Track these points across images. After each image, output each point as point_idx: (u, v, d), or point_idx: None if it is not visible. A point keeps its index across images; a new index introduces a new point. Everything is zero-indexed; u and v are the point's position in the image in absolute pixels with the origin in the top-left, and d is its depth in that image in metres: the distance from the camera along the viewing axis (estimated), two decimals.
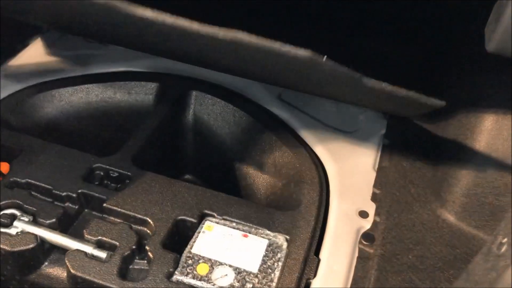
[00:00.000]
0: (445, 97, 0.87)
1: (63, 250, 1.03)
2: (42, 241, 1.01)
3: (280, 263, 0.98)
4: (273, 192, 1.24)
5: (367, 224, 1.09)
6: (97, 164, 1.15)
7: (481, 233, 1.06)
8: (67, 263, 0.96)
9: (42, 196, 1.10)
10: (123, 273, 0.97)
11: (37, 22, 1.39)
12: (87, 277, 0.94)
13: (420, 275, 0.98)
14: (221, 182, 1.23)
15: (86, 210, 1.12)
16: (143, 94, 1.41)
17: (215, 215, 1.07)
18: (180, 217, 1.05)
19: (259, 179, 1.30)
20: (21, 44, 1.52)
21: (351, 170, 1.20)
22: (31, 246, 0.99)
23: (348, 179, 1.18)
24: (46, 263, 1.03)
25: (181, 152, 1.44)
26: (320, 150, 1.25)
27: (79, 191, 1.09)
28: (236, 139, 1.36)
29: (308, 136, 1.29)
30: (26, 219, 1.04)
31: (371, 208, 1.12)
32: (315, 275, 0.98)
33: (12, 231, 1.01)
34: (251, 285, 0.95)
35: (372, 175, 1.20)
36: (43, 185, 1.10)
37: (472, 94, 1.15)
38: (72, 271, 0.95)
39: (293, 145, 1.26)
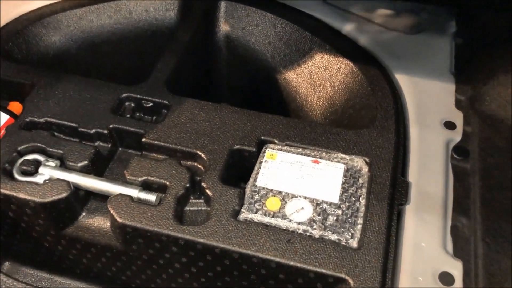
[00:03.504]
0: None
1: (101, 197, 0.87)
2: (76, 188, 0.85)
3: (364, 190, 0.82)
4: (333, 112, 1.06)
5: (456, 136, 0.92)
6: (126, 94, 0.97)
7: None
8: (112, 211, 0.79)
9: (66, 136, 0.93)
10: (179, 217, 0.81)
11: None
12: (139, 225, 0.78)
13: None
14: (265, 107, 1.05)
15: (120, 148, 0.95)
16: (163, 10, 1.20)
17: (276, 141, 0.89)
18: (235, 147, 0.88)
19: (313, 99, 1.11)
20: None
21: (425, 76, 1.02)
22: (64, 194, 0.82)
23: (424, 87, 1.00)
24: (84, 214, 0.88)
25: (215, 77, 1.24)
26: (384, 56, 1.06)
27: (111, 126, 0.91)
28: (280, 54, 1.16)
29: (366, 42, 1.09)
30: (53, 164, 0.87)
31: (457, 118, 0.94)
32: (407, 200, 0.82)
33: (39, 179, 0.85)
34: (334, 218, 0.79)
35: (451, 79, 1.01)
36: (66, 123, 0.92)
37: None
38: (118, 219, 0.78)
39: (351, 53, 1.06)
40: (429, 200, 0.82)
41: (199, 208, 0.85)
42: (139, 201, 0.82)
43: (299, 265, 0.73)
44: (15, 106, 0.99)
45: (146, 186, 0.84)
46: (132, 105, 0.97)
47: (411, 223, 0.80)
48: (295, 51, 1.14)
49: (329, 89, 1.08)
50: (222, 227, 0.77)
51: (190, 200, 0.85)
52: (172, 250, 0.79)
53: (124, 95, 0.96)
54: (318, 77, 1.10)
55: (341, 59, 1.06)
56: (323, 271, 0.73)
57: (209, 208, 0.81)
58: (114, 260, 0.88)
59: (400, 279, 0.74)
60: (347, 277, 0.72)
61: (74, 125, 0.91)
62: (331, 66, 1.08)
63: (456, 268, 0.74)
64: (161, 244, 0.79)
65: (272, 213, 0.80)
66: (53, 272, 0.97)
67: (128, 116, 0.96)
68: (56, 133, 0.93)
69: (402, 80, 1.01)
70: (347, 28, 1.12)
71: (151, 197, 0.82)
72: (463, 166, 0.87)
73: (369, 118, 0.95)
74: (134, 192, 0.82)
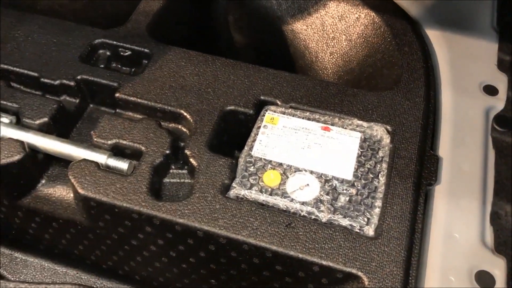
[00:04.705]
0: None
1: (65, 162, 0.72)
2: (33, 150, 0.70)
3: (384, 165, 0.67)
4: (349, 70, 0.90)
5: (498, 103, 0.77)
6: (100, 40, 0.81)
7: None
8: (73, 180, 0.65)
9: (26, 88, 0.77)
10: (156, 190, 0.67)
11: None
12: (104, 199, 0.63)
13: None
14: (267, 64, 0.88)
15: (91, 105, 0.79)
16: None
17: (278, 102, 0.73)
18: (228, 108, 0.72)
19: (324, 55, 0.95)
20: None
21: (461, 31, 0.86)
22: (17, 157, 0.68)
23: (460, 43, 0.84)
24: (43, 182, 0.74)
25: (210, 27, 1.07)
26: (413, 6, 0.89)
27: (79, 77, 0.76)
28: (287, 1, 1.00)
29: None
30: (7, 121, 0.72)
31: (500, 81, 0.79)
32: (437, 179, 0.67)
33: None
34: (347, 198, 0.64)
35: (493, 36, 0.85)
36: (26, 71, 0.77)
37: None
38: (80, 191, 0.64)
39: (373, 1, 0.89)
40: (464, 180, 0.68)
41: (181, 181, 0.70)
42: (108, 169, 0.67)
43: (300, 255, 0.59)
44: None
45: (117, 151, 0.69)
46: (108, 53, 0.82)
47: (442, 208, 0.65)
48: None
49: (344, 43, 0.91)
50: (207, 205, 0.62)
51: (171, 171, 0.70)
52: (146, 230, 0.65)
53: (97, 41, 0.81)
54: (332, 29, 0.93)
55: (360, 7, 0.90)
56: (330, 264, 0.58)
57: (192, 181, 0.66)
58: (80, 238, 0.75)
59: (427, 277, 0.60)
60: (360, 274, 0.58)
61: (35, 74, 0.76)
62: (348, 15, 0.91)
63: (497, 267, 0.60)
64: (132, 223, 0.65)
65: (269, 189, 0.64)
66: (12, 248, 0.83)
67: (102, 66, 0.80)
68: (13, 84, 0.77)
69: (434, 35, 0.85)
70: None
71: (122, 165, 0.67)
72: (506, 140, 0.72)
73: (392, 78, 0.79)
74: (102, 158, 0.67)
